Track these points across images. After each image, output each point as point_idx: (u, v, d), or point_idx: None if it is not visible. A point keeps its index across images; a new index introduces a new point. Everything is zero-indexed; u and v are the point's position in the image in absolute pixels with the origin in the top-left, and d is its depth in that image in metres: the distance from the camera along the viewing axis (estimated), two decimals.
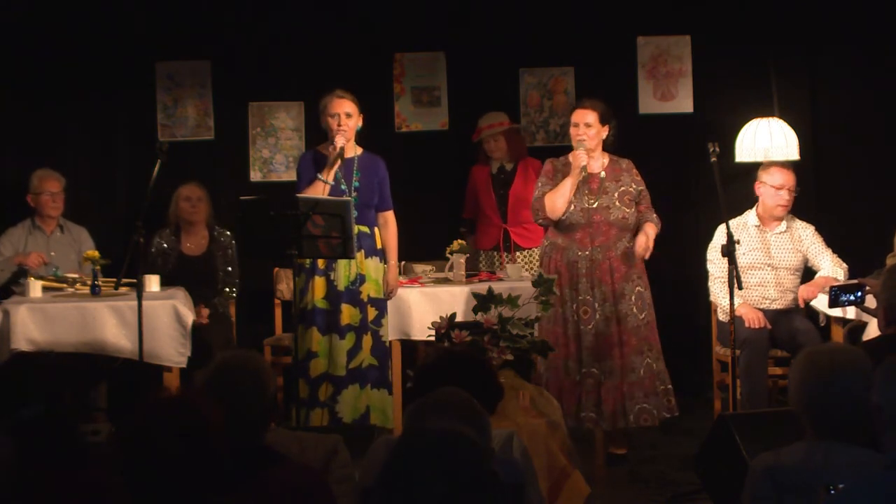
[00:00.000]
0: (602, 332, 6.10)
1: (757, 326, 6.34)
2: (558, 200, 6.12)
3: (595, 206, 6.15)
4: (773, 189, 6.54)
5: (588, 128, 6.13)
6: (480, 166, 7.52)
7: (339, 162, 6.13)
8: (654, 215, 6.26)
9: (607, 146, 6.26)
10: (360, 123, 6.23)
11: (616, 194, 6.18)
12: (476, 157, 7.54)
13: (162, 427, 2.67)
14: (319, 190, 6.09)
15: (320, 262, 6.15)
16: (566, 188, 6.10)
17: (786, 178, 6.54)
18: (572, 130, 6.17)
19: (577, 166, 6.10)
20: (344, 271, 6.16)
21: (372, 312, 6.23)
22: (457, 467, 2.36)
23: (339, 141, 6.10)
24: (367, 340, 6.20)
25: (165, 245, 7.09)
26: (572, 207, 6.14)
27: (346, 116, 6.14)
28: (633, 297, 6.14)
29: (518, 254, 7.33)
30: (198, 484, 2.67)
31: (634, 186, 6.23)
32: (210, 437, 2.70)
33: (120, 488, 2.72)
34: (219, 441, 2.72)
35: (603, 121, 6.18)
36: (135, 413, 2.73)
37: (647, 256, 6.14)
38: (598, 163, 6.24)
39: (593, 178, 6.20)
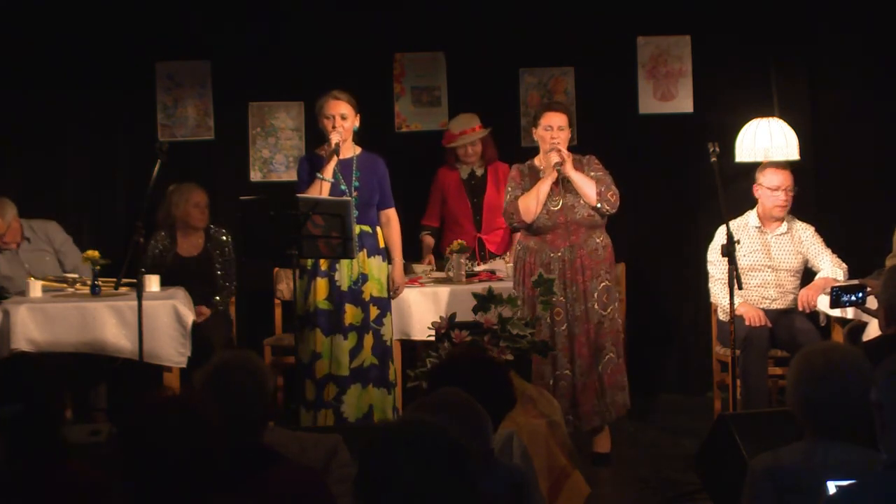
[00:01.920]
0: (573, 333, 6.10)
1: (757, 324, 6.34)
2: (532, 203, 6.11)
3: (558, 207, 6.14)
4: (769, 190, 6.54)
5: (561, 131, 6.13)
6: (447, 170, 7.41)
7: (335, 158, 6.12)
8: (609, 190, 6.14)
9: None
10: (356, 124, 6.22)
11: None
12: (444, 160, 7.43)
13: (161, 427, 2.67)
14: (319, 189, 6.10)
15: (322, 264, 6.15)
16: (540, 190, 6.10)
17: (782, 179, 6.53)
18: (545, 133, 6.13)
19: (550, 165, 6.08)
20: (347, 271, 6.16)
21: (374, 311, 6.22)
22: (425, 455, 2.37)
23: (335, 137, 6.10)
24: (368, 340, 6.19)
25: (160, 248, 7.04)
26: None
27: (340, 118, 6.15)
28: (598, 294, 6.13)
29: (492, 261, 7.24)
30: (197, 484, 2.67)
31: (594, 175, 6.17)
32: (208, 437, 2.70)
33: (117, 488, 2.72)
34: (217, 441, 2.72)
35: (570, 124, 6.21)
36: (134, 413, 2.74)
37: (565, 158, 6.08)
38: None
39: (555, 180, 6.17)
